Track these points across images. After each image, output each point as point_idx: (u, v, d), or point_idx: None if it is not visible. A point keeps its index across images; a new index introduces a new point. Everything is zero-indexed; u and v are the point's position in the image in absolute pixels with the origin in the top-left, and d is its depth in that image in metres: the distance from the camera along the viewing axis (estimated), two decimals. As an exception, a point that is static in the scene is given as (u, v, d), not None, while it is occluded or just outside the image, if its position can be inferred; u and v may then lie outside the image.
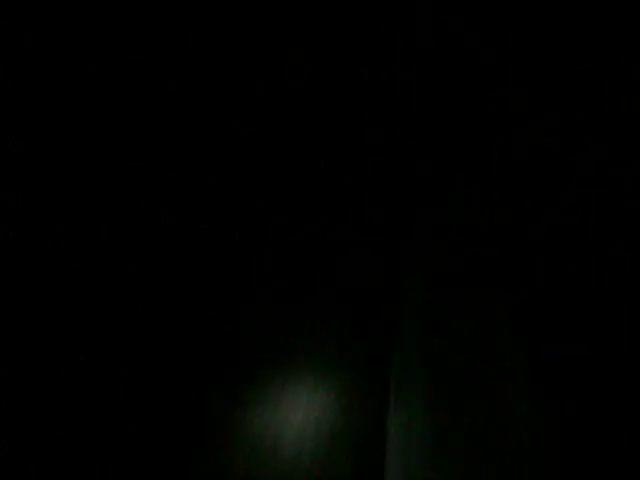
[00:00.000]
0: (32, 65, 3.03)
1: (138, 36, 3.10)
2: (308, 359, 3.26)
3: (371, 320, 2.86)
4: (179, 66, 3.17)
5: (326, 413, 2.68)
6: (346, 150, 3.28)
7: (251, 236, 3.38)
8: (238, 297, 3.41)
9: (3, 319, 3.08)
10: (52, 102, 3.09)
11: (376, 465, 2.39)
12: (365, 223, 3.20)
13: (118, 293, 3.26)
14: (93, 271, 3.22)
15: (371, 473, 2.40)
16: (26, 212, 3.11)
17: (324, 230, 3.40)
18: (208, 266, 3.37)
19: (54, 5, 2.99)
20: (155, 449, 3.21)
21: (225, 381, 3.40)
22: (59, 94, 3.09)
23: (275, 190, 3.39)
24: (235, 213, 3.36)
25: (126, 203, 3.24)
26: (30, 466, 3.02)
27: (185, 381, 3.34)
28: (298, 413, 3.08)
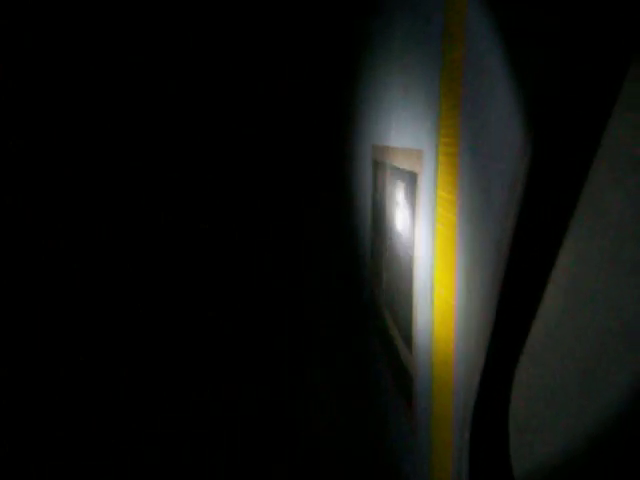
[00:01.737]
0: (32, 65, 3.03)
1: (138, 36, 3.10)
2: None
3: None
4: (179, 66, 3.17)
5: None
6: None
7: (251, 236, 3.38)
8: (239, 296, 3.41)
9: (3, 319, 3.08)
10: (52, 102, 3.09)
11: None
12: None
13: (118, 293, 3.27)
14: (93, 271, 3.22)
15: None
16: (26, 212, 3.11)
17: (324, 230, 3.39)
18: (208, 266, 3.37)
19: (54, 5, 2.99)
20: (153, 449, 3.21)
21: (224, 380, 3.40)
22: (59, 94, 3.09)
23: (275, 190, 3.38)
24: (235, 213, 3.36)
25: (126, 203, 3.24)
26: (30, 466, 3.03)
27: (184, 381, 3.34)
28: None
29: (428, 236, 0.99)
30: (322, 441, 2.67)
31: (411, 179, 1.12)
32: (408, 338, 1.17)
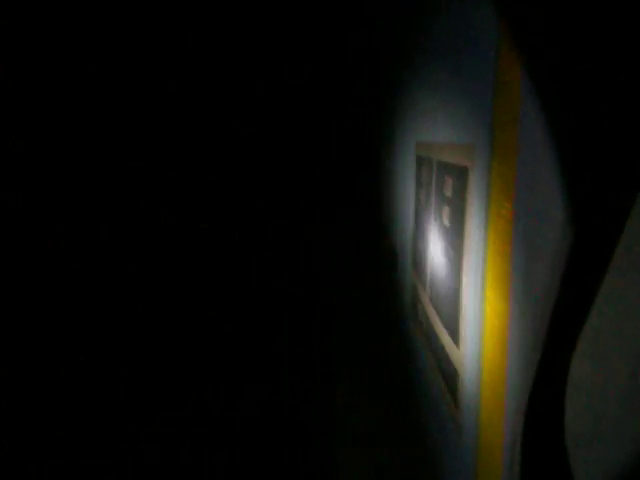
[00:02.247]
0: (32, 65, 3.03)
1: (138, 36, 3.10)
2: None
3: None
4: (179, 66, 3.17)
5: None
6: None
7: (251, 236, 3.38)
8: (238, 297, 3.41)
9: (3, 319, 3.08)
10: (52, 102, 3.09)
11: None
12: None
13: (118, 293, 3.26)
14: (93, 271, 3.22)
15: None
16: (26, 212, 3.11)
17: (323, 231, 3.39)
18: (208, 266, 3.36)
19: (54, 5, 2.98)
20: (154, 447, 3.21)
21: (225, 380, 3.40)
22: (59, 94, 3.09)
23: (275, 189, 3.38)
24: (235, 213, 3.36)
25: (126, 203, 3.24)
26: (30, 466, 3.02)
27: (184, 381, 3.34)
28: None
29: (480, 231, 0.96)
30: (358, 437, 2.67)
31: (461, 174, 1.09)
32: (455, 333, 1.14)
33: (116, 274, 3.24)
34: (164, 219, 3.27)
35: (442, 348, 1.28)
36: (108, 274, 3.23)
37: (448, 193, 1.21)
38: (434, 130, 1.40)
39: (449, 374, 1.21)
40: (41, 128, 3.09)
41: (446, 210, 1.24)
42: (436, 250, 1.36)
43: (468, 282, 1.05)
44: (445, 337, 1.24)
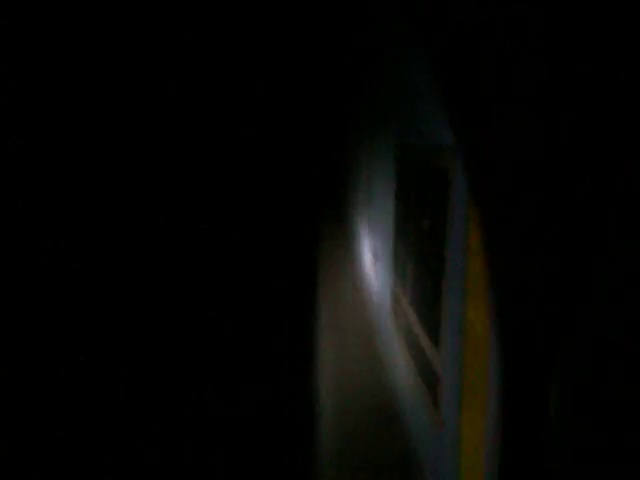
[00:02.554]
0: (32, 65, 3.03)
1: (138, 36, 3.10)
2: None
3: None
4: (179, 66, 3.16)
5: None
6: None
7: (251, 236, 3.38)
8: (238, 297, 3.41)
9: (3, 319, 3.08)
10: (52, 102, 3.09)
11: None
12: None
13: (118, 293, 3.26)
14: (93, 271, 3.22)
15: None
16: (26, 212, 3.11)
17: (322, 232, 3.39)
18: (208, 266, 3.36)
19: (54, 5, 2.98)
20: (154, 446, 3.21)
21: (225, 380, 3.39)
22: (59, 94, 3.09)
23: (274, 190, 3.38)
24: (235, 213, 3.36)
25: (126, 203, 3.24)
26: (30, 466, 3.02)
27: (184, 381, 3.34)
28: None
29: (461, 232, 0.96)
30: (339, 440, 2.67)
31: (442, 177, 1.09)
32: (435, 336, 1.14)
33: (116, 274, 3.23)
34: (164, 219, 3.27)
35: (422, 351, 1.28)
36: (108, 274, 3.23)
37: (429, 195, 1.21)
38: (414, 133, 1.40)
39: (429, 377, 1.21)
40: (41, 128, 3.08)
41: (427, 212, 1.24)
42: (417, 252, 1.36)
43: (449, 285, 1.05)
44: (425, 340, 1.24)
